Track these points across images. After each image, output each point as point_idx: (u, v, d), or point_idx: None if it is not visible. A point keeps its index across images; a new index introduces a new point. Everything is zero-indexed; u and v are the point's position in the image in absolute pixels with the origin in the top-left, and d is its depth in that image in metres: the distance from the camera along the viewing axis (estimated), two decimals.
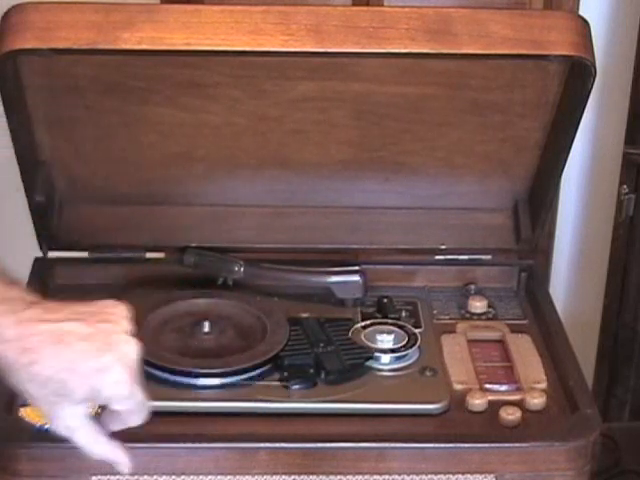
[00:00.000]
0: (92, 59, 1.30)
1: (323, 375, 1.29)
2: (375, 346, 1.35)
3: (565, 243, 2.32)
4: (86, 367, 1.00)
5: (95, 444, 1.07)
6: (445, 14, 1.27)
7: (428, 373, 1.31)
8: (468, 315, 1.47)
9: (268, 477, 1.20)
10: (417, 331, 1.38)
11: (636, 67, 2.08)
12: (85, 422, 1.05)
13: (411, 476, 1.20)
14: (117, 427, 1.08)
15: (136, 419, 1.06)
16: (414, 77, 1.37)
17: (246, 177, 1.48)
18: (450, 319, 1.46)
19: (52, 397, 1.01)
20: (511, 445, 1.21)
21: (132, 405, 1.04)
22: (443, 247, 1.53)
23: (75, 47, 1.22)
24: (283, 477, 1.20)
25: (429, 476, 1.20)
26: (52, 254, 1.49)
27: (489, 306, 1.48)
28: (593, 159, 2.26)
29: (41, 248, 1.48)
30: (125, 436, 1.20)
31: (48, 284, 1.49)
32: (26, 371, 0.99)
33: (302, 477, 1.20)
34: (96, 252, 1.50)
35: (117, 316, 1.05)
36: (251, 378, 1.29)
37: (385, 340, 1.35)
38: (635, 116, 2.10)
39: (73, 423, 1.04)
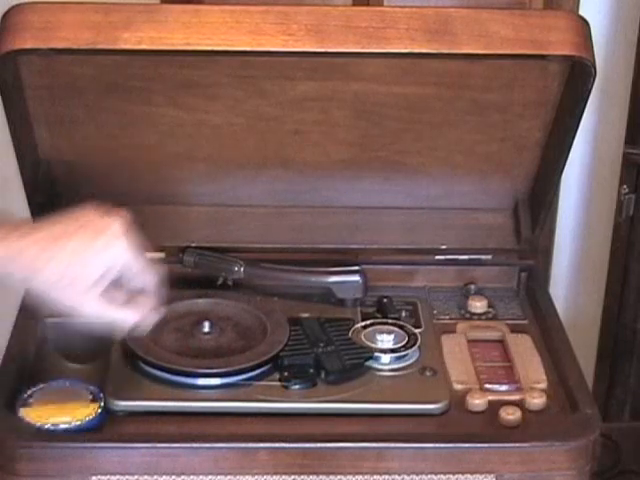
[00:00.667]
0: (92, 59, 1.30)
1: (323, 375, 1.29)
2: (375, 346, 1.35)
3: (565, 243, 2.32)
4: (93, 248, 1.15)
5: (127, 315, 1.20)
6: (445, 14, 1.27)
7: (428, 373, 1.31)
8: (468, 315, 1.47)
9: (268, 477, 1.20)
10: (417, 331, 1.38)
11: (636, 67, 2.08)
12: (107, 299, 1.18)
13: (411, 476, 1.20)
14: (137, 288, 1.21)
15: (151, 277, 1.21)
16: (414, 77, 1.37)
17: (246, 177, 1.48)
18: (450, 319, 1.46)
19: (73, 289, 1.15)
20: (511, 445, 1.21)
21: (143, 264, 1.20)
22: (443, 247, 1.53)
23: (75, 47, 1.22)
24: (283, 477, 1.20)
25: (429, 476, 1.20)
26: None
27: (489, 306, 1.48)
28: (593, 159, 2.25)
29: None
30: (125, 436, 1.20)
31: None
32: (41, 276, 1.13)
33: (302, 477, 1.20)
34: None
35: (91, 211, 1.19)
36: (251, 378, 1.29)
37: (385, 340, 1.35)
38: (635, 116, 2.10)
39: (98, 304, 1.17)
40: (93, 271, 1.15)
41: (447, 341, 1.40)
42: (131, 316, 1.21)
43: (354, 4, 1.91)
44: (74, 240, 1.15)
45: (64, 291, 1.15)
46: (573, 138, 1.37)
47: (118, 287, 1.19)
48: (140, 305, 1.21)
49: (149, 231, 1.48)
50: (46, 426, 1.19)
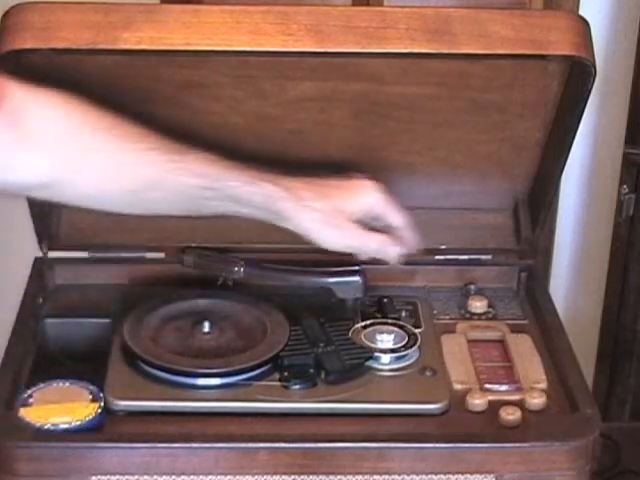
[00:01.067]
0: (92, 59, 1.30)
1: (323, 375, 1.29)
2: (375, 346, 1.35)
3: (565, 243, 2.32)
4: (351, 187, 1.32)
5: (384, 241, 1.33)
6: (445, 14, 1.27)
7: (428, 373, 1.31)
8: (468, 315, 1.47)
9: (268, 477, 1.20)
10: (417, 331, 1.38)
11: (636, 67, 2.08)
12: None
13: (411, 476, 1.20)
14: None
15: (401, 218, 1.33)
16: (414, 77, 1.37)
17: None
18: (450, 319, 1.46)
19: (333, 223, 1.29)
20: (511, 445, 1.21)
21: (394, 206, 1.32)
22: (443, 247, 1.53)
23: (75, 47, 1.22)
24: (283, 477, 1.20)
25: (429, 476, 1.20)
26: (52, 254, 1.49)
27: (489, 306, 1.48)
28: (593, 159, 2.26)
29: (41, 248, 1.48)
30: (125, 436, 1.20)
31: (48, 284, 1.49)
32: (306, 213, 1.28)
33: (302, 477, 1.20)
34: (96, 252, 1.50)
35: None
36: (251, 378, 1.29)
37: (385, 340, 1.35)
38: (635, 116, 2.10)
39: (356, 233, 1.31)
40: (351, 206, 1.30)
41: (447, 341, 1.40)
42: (387, 243, 1.33)
43: (354, 4, 1.91)
44: (335, 183, 1.31)
45: (324, 226, 1.29)
46: (573, 138, 1.37)
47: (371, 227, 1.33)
48: (394, 237, 1.34)
49: (149, 231, 1.49)
50: (46, 426, 1.19)
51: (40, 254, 1.49)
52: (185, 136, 1.42)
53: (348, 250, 1.32)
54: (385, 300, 1.46)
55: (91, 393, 1.24)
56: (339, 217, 1.29)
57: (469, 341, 1.40)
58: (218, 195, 1.24)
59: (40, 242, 1.48)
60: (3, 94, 1.13)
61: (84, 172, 1.20)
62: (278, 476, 1.20)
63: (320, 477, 1.20)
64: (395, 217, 1.33)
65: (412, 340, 1.36)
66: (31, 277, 1.48)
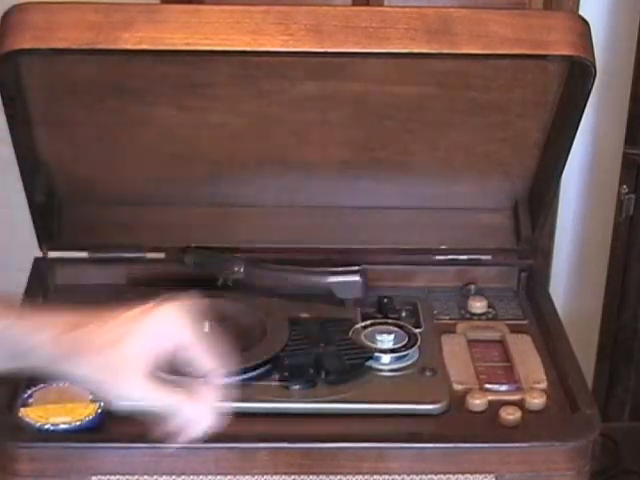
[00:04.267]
0: (92, 59, 1.30)
1: (323, 375, 1.29)
2: (375, 346, 1.35)
3: (565, 243, 2.32)
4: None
5: (179, 401, 1.03)
6: (445, 14, 1.27)
7: (428, 373, 1.31)
8: (468, 315, 1.47)
9: (268, 477, 1.20)
10: (417, 331, 1.38)
11: (636, 67, 2.07)
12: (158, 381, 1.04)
13: (411, 476, 1.20)
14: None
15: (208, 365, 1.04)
16: (414, 77, 1.37)
17: (246, 177, 1.48)
18: (450, 319, 1.46)
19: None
20: (511, 445, 1.21)
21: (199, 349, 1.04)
22: (443, 247, 1.53)
23: (75, 47, 1.22)
24: (283, 477, 1.20)
25: (429, 476, 1.20)
26: (52, 254, 1.49)
27: (489, 306, 1.48)
28: (593, 159, 2.25)
29: (41, 248, 1.48)
30: (125, 436, 1.20)
31: (48, 284, 1.49)
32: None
33: (302, 477, 1.20)
34: (96, 252, 1.50)
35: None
36: (251, 378, 1.29)
37: (385, 340, 1.35)
38: (635, 116, 2.09)
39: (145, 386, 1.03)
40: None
41: (447, 341, 1.40)
42: (184, 403, 1.04)
43: (354, 4, 1.91)
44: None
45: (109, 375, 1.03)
46: (573, 138, 1.37)
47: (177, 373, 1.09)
48: (196, 394, 1.04)
49: (149, 231, 1.49)
50: (46, 426, 1.19)
51: (40, 254, 1.49)
52: (185, 137, 1.42)
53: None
54: (385, 300, 1.45)
55: (91, 393, 1.24)
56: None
57: (469, 341, 1.40)
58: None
59: (40, 242, 1.48)
60: None
61: None
62: (278, 476, 1.20)
63: (320, 477, 1.20)
64: (199, 364, 1.05)
65: (412, 340, 1.36)
66: (31, 277, 1.48)
